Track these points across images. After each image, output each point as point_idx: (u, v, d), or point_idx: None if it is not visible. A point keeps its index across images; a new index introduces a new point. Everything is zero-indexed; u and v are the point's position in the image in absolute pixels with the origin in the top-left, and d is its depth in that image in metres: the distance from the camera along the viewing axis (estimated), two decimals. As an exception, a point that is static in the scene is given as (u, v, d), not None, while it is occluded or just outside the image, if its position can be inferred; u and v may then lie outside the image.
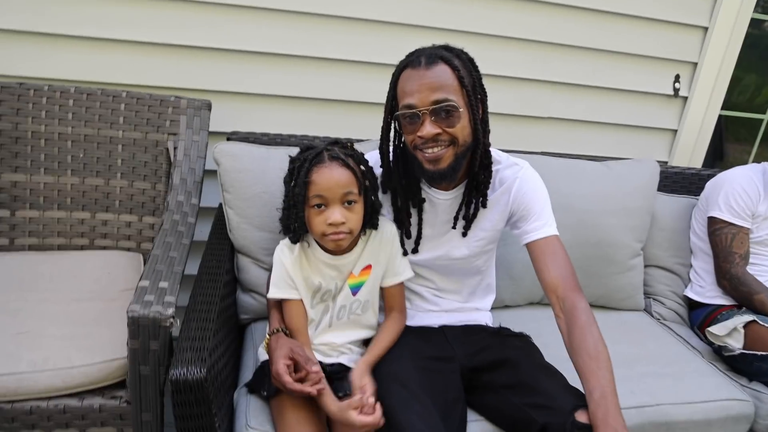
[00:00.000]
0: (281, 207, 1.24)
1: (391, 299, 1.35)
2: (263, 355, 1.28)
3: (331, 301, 1.28)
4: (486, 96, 1.23)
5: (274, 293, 1.23)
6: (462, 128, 1.18)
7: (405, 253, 1.35)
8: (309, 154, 1.17)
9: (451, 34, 1.90)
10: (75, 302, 1.39)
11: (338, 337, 1.29)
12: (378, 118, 1.29)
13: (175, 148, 1.64)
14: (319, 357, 1.24)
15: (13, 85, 1.57)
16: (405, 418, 1.07)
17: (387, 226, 1.32)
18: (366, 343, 1.33)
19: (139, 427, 1.23)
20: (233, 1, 1.72)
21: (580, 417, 1.07)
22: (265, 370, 1.24)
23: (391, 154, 1.29)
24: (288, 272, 1.22)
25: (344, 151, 1.19)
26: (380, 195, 1.31)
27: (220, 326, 1.21)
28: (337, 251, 1.25)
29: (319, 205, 1.16)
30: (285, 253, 1.24)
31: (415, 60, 1.17)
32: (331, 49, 1.84)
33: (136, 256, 1.66)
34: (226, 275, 1.40)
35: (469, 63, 1.20)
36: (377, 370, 1.21)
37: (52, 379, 1.17)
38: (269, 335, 1.23)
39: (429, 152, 1.18)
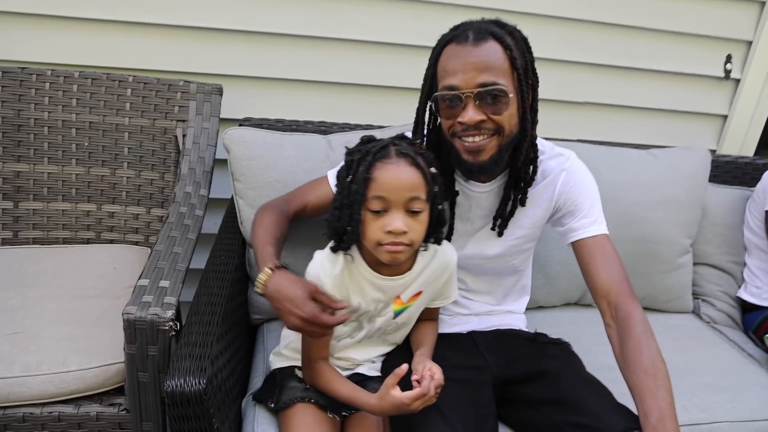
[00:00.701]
0: (331, 206, 1.03)
1: (429, 313, 1.20)
2: (275, 363, 1.17)
3: (367, 322, 1.11)
4: (538, 82, 1.08)
5: None
6: (509, 117, 1.03)
7: None
8: (372, 147, 0.98)
9: (481, 12, 1.73)
10: (77, 300, 1.30)
11: (361, 354, 1.16)
12: (405, 103, 1.16)
13: (184, 136, 1.54)
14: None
15: (15, 70, 1.48)
16: None
17: (449, 253, 1.13)
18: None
19: (139, 437, 1.14)
20: (246, -22, 1.61)
21: (632, 442, 0.93)
22: (275, 379, 1.13)
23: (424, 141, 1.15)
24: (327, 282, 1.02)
25: (413, 148, 1.00)
26: None
27: (226, 330, 1.11)
28: (388, 268, 1.05)
29: (378, 210, 0.96)
30: (325, 269, 1.02)
31: (461, 34, 1.02)
32: (353, 29, 1.71)
33: (143, 250, 1.58)
34: (236, 272, 1.29)
35: (522, 42, 1.05)
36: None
37: (45, 384, 1.09)
38: (266, 271, 1.00)
39: (469, 141, 1.04)
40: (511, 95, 1.01)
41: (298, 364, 1.12)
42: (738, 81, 2.06)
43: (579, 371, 1.15)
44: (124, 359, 1.06)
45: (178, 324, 1.04)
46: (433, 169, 1.00)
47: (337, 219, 0.99)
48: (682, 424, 1.18)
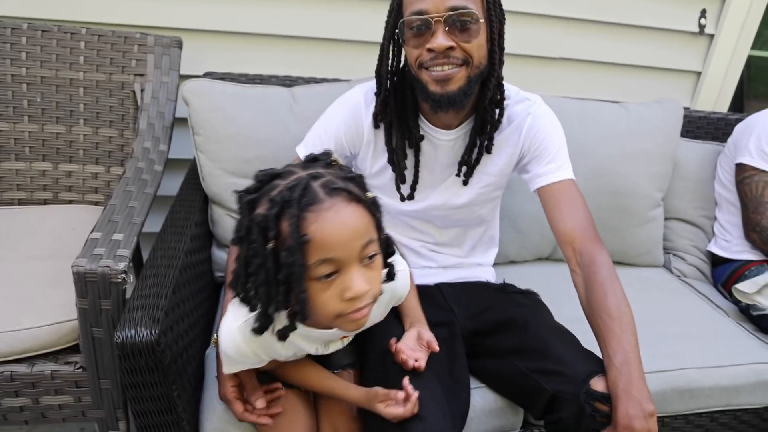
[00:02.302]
0: (242, 277, 0.76)
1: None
2: None
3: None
4: (504, 18, 1.05)
5: (230, 369, 0.90)
6: (479, 46, 1.00)
7: (402, 199, 1.17)
8: (290, 194, 0.71)
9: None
10: (32, 261, 1.25)
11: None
12: (372, 57, 1.11)
13: (142, 91, 1.47)
14: None
15: (-43, 21, 1.40)
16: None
17: (401, 281, 0.94)
18: None
19: (98, 395, 1.10)
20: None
21: (597, 385, 0.92)
22: None
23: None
24: (247, 353, 0.85)
25: (337, 172, 0.76)
26: (373, 131, 1.12)
27: (183, 283, 1.07)
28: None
29: (328, 275, 0.73)
30: (239, 347, 0.83)
31: None
32: (317, -21, 1.65)
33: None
34: (196, 228, 1.24)
35: None
36: (373, 346, 1.02)
37: (-4, 344, 1.04)
38: (213, 337, 0.99)
39: (437, 70, 0.99)
40: (481, 21, 0.98)
41: None
42: (712, 36, 2.03)
43: (546, 319, 1.14)
44: (77, 314, 1.02)
45: (131, 277, 1.00)
46: (369, 194, 0.77)
47: (266, 300, 0.74)
48: (650, 371, 1.19)
